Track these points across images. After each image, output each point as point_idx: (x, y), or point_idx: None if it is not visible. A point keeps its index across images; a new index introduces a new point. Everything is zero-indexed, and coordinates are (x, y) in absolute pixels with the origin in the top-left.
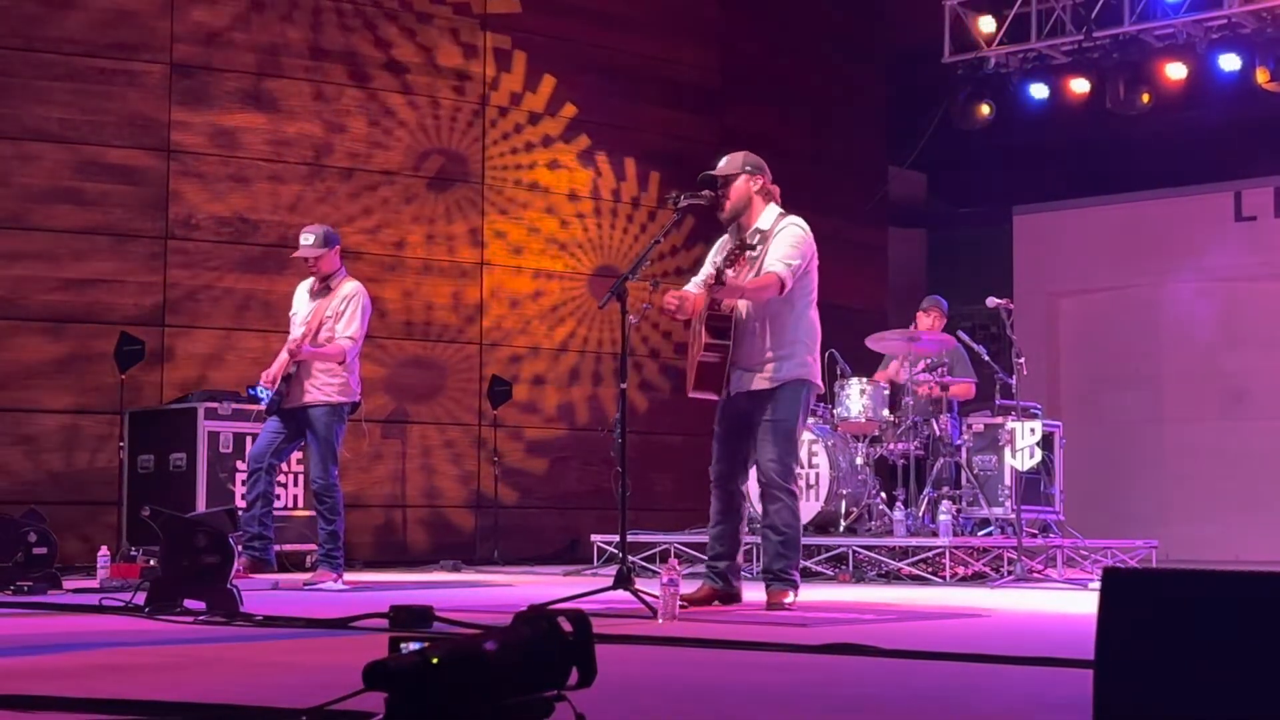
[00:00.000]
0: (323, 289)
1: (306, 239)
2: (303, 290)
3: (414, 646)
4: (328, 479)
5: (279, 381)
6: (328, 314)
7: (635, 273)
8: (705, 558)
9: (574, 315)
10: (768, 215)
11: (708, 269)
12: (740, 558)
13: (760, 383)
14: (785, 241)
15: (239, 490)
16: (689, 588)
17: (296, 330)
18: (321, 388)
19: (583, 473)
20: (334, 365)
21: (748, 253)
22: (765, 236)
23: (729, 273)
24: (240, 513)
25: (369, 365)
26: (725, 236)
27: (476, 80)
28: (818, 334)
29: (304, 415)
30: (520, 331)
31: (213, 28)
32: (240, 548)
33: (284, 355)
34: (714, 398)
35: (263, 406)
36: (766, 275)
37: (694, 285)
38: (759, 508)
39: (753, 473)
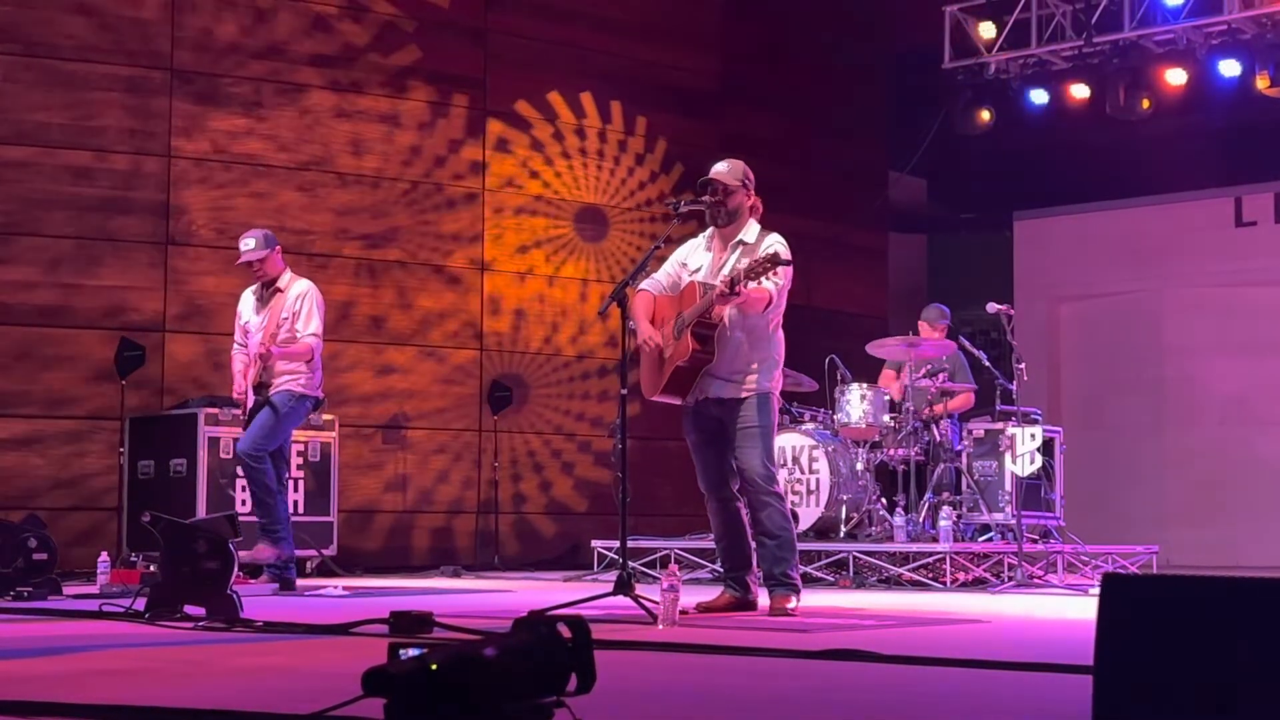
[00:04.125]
0: (272, 292)
1: (248, 243)
2: (249, 297)
3: (413, 652)
4: (257, 449)
5: (250, 393)
6: (284, 316)
7: (635, 278)
8: (721, 570)
9: (574, 320)
10: (751, 229)
11: (671, 268)
12: (755, 562)
13: (738, 391)
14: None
15: (239, 496)
16: (692, 594)
17: (254, 338)
18: (287, 381)
19: (583, 478)
20: (300, 365)
21: (738, 265)
22: (750, 249)
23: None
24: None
25: (368, 372)
26: (696, 241)
27: (476, 86)
28: (784, 350)
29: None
30: (521, 336)
31: (214, 33)
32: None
33: (238, 366)
34: (678, 402)
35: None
36: (760, 289)
37: (652, 283)
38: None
39: None
